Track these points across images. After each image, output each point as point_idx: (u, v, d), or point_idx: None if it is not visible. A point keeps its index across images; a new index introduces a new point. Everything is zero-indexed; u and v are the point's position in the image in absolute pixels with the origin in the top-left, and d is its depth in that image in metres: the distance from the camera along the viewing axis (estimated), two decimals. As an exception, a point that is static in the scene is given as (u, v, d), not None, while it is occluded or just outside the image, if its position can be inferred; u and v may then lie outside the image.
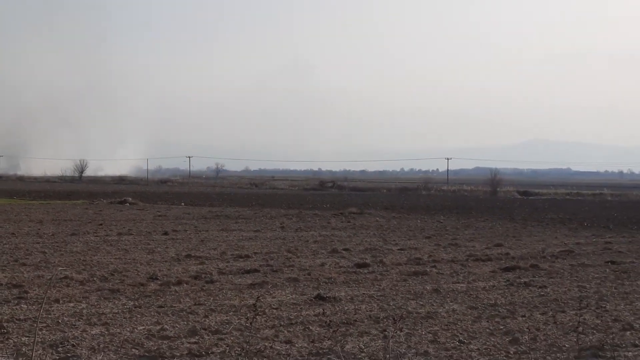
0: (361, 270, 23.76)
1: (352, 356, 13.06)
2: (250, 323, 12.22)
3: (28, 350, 12.51)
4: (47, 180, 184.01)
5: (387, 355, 12.97)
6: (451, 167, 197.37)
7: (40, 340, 13.20)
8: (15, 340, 13.29)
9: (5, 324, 14.41)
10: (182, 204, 67.87)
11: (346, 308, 17.37)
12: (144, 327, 14.59)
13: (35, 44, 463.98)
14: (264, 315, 15.84)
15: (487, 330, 15.44)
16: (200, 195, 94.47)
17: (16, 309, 16.16)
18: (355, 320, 15.97)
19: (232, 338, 13.86)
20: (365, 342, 14.11)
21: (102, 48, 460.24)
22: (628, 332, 15.37)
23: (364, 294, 19.43)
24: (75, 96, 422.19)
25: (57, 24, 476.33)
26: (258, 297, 14.88)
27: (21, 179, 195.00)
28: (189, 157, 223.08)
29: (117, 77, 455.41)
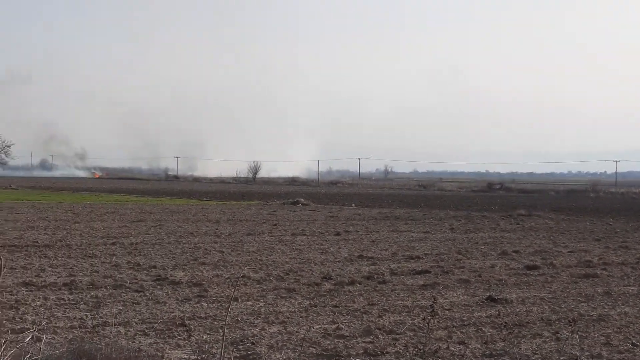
0: (531, 272, 23.32)
1: (526, 358, 12.83)
2: (427, 324, 12.14)
3: (210, 347, 12.85)
4: (222, 181, 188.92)
5: (561, 358, 12.69)
6: (619, 170, 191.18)
7: (221, 338, 13.50)
8: (197, 337, 13.62)
9: (187, 322, 14.82)
10: (353, 205, 68.24)
11: (518, 310, 17.08)
12: (320, 326, 14.73)
13: (209, 45, 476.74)
14: (437, 316, 15.75)
15: (661, 333, 14.94)
16: (369, 196, 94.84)
17: (197, 307, 16.57)
18: (527, 322, 15.69)
19: (406, 338, 13.84)
20: (537, 344, 13.85)
21: (273, 47, 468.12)
22: None
23: (534, 296, 19.07)
24: (250, 97, 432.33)
25: (232, 24, 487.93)
26: (435, 298, 14.76)
27: (197, 180, 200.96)
28: (359, 159, 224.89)
29: (290, 78, 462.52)
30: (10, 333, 12.61)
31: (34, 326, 13.46)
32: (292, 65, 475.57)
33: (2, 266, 9.31)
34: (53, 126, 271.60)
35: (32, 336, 11.42)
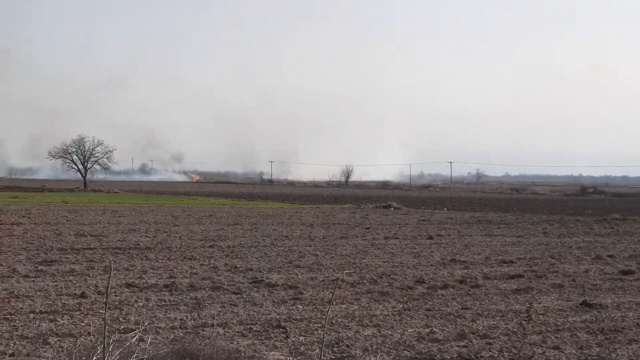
0: (626, 277, 22.84)
1: (622, 365, 12.60)
2: (523, 328, 12.01)
3: (306, 349, 12.93)
4: (315, 185, 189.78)
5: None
6: None
7: (316, 340, 13.59)
8: (294, 339, 13.72)
9: (283, 324, 14.94)
10: (445, 208, 67.87)
11: (613, 315, 16.75)
12: (413, 330, 14.68)
13: (302, 50, 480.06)
14: (530, 321, 15.55)
15: None
16: (461, 200, 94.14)
17: (292, 309, 16.67)
18: (623, 328, 15.37)
19: (500, 343, 13.69)
20: (634, 350, 13.56)
21: (365, 53, 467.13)
22: None
23: (630, 301, 18.67)
24: (342, 102, 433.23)
25: (323, 29, 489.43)
26: (531, 303, 14.61)
27: (291, 183, 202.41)
28: (450, 163, 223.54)
29: (383, 82, 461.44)
30: (118, 333, 12.93)
31: (137, 326, 13.78)
32: (385, 69, 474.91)
33: (111, 269, 9.57)
34: (151, 131, 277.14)
35: (137, 336, 11.66)
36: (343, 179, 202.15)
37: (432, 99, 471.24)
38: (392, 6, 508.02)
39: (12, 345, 12.55)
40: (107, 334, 9.57)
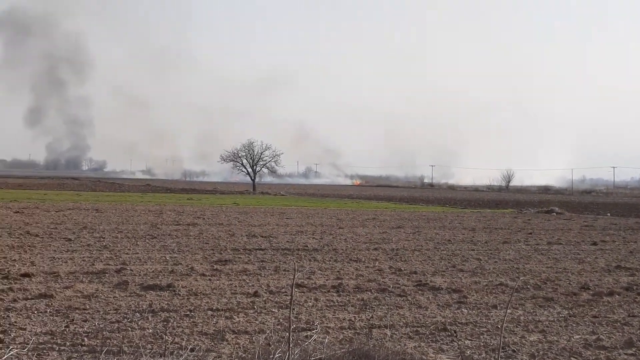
0: None
1: None
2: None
3: (472, 353, 12.88)
4: (476, 189, 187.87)
5: None
6: None
7: (482, 344, 13.52)
8: (459, 343, 13.69)
9: (448, 327, 14.92)
10: (608, 214, 65.88)
11: None
12: (580, 336, 14.37)
13: (465, 53, 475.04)
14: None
15: None
16: (625, 205, 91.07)
17: (457, 312, 16.62)
18: None
19: (670, 352, 13.26)
20: None
21: (528, 51, 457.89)
22: None
23: None
24: (504, 105, 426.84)
25: (487, 30, 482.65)
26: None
27: (452, 187, 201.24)
28: (614, 167, 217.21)
29: (545, 86, 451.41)
30: (299, 331, 13.28)
31: (308, 325, 14.10)
32: (547, 72, 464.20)
33: (295, 270, 9.89)
34: (311, 132, 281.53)
35: (314, 336, 11.93)
36: (504, 184, 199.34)
37: (595, 103, 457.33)
38: (559, 6, 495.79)
39: (193, 340, 13.08)
40: (291, 332, 9.84)
